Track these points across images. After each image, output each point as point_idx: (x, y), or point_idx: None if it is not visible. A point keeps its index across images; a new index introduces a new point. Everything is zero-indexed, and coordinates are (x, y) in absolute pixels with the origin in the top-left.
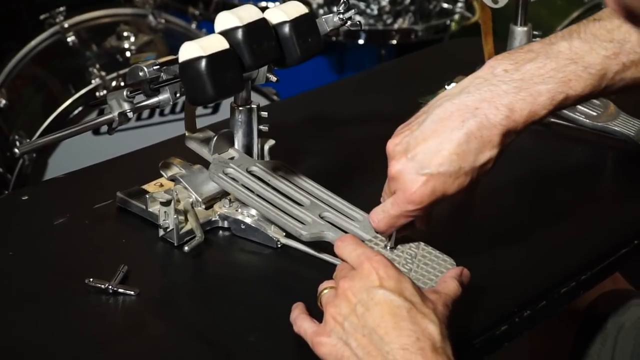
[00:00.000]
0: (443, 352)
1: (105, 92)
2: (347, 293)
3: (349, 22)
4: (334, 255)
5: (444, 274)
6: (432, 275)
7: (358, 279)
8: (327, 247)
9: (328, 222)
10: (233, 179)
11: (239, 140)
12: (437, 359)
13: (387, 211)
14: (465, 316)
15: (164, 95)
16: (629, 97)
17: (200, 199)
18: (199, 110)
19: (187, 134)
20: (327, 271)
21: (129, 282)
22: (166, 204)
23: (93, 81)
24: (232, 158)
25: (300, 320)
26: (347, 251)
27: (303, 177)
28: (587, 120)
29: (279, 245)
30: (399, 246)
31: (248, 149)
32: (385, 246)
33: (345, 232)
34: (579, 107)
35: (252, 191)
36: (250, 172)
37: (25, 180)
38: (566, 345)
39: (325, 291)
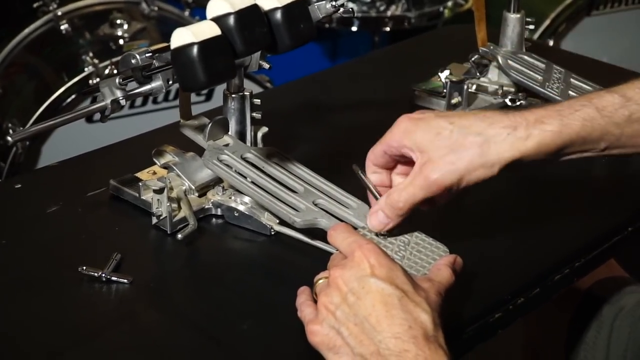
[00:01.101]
0: (435, 340)
1: (98, 79)
2: (338, 282)
3: (341, 9)
4: (328, 242)
5: (437, 262)
6: (425, 262)
7: (349, 268)
8: (320, 234)
9: (322, 209)
10: (227, 165)
11: (232, 128)
12: (430, 347)
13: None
14: (459, 303)
15: (157, 83)
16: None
17: (193, 187)
18: (193, 97)
19: (181, 121)
20: (321, 259)
21: (122, 270)
22: (159, 191)
23: (86, 69)
24: (226, 145)
25: (304, 307)
26: (339, 239)
27: (297, 164)
28: None
29: (273, 233)
30: (392, 232)
31: (241, 136)
32: (378, 233)
33: (339, 220)
34: (572, 93)
35: (246, 178)
36: (244, 159)
37: (19, 168)
38: (561, 332)
39: (321, 281)
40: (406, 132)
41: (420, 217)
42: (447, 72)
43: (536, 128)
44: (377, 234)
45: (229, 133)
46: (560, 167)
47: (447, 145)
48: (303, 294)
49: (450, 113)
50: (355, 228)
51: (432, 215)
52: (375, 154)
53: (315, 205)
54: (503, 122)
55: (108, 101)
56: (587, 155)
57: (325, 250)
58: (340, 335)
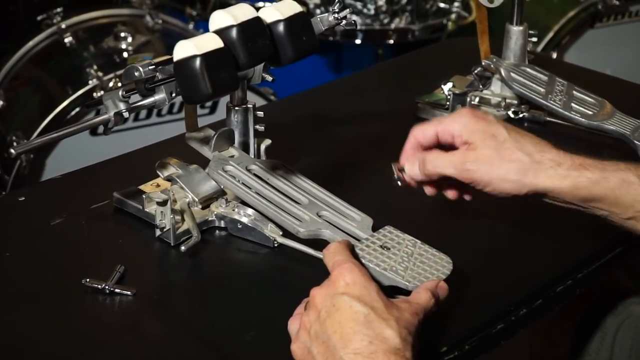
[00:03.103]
0: (402, 356)
1: (102, 92)
2: (315, 300)
3: (344, 21)
4: None
5: (418, 286)
6: (429, 273)
7: (326, 286)
8: (323, 246)
9: (325, 220)
10: (232, 176)
11: (235, 140)
12: None
13: None
14: (462, 314)
15: (160, 95)
16: (625, 96)
17: (196, 199)
18: (197, 110)
19: (187, 133)
20: (323, 270)
21: (125, 282)
22: (163, 204)
23: (90, 82)
24: (232, 156)
25: (291, 323)
26: (328, 259)
27: (301, 177)
28: (583, 119)
29: (276, 245)
30: (395, 244)
31: (244, 149)
32: (382, 246)
33: (342, 231)
34: (575, 105)
35: (250, 189)
36: (249, 171)
37: (23, 181)
38: (565, 342)
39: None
40: (466, 124)
41: (424, 227)
42: (450, 85)
43: (577, 170)
44: (381, 246)
45: (234, 145)
46: None
47: (496, 150)
48: (299, 308)
49: (510, 126)
50: (357, 240)
51: (436, 225)
52: (425, 133)
53: (319, 216)
54: (551, 154)
55: (111, 114)
56: (612, 219)
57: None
58: (311, 354)
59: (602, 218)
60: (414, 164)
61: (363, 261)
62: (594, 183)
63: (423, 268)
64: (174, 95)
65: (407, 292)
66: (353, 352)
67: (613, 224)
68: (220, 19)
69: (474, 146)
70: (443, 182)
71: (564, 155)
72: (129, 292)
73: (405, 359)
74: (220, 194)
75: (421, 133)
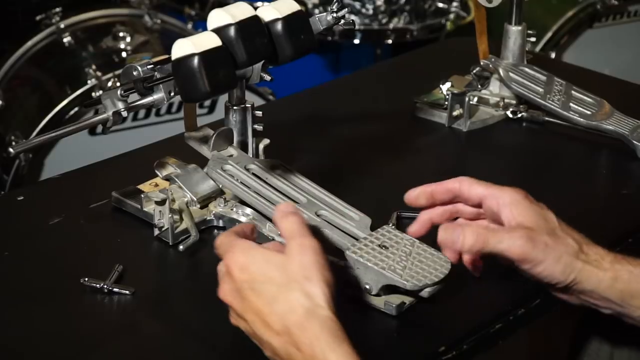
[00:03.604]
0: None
1: (101, 92)
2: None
3: (342, 21)
4: (330, 253)
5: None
6: (427, 272)
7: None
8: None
9: (324, 220)
10: (231, 175)
11: (234, 139)
12: None
13: None
14: (460, 314)
15: (158, 94)
16: (624, 96)
17: (195, 199)
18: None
19: (186, 132)
20: None
21: (124, 281)
22: (161, 203)
23: (89, 82)
24: (231, 156)
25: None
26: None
27: (300, 176)
28: (582, 119)
29: None
30: (394, 244)
31: (243, 148)
32: (381, 244)
33: (342, 231)
34: (574, 105)
35: (249, 188)
36: (248, 170)
37: (22, 180)
38: (564, 343)
39: None
40: (520, 201)
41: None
42: (448, 85)
43: (620, 264)
44: (379, 245)
45: (233, 144)
46: (561, 179)
47: (548, 233)
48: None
49: (557, 217)
50: (356, 240)
51: (433, 226)
52: (471, 189)
53: (318, 216)
54: (596, 248)
55: (110, 113)
56: None
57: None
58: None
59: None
60: (458, 234)
61: (361, 260)
62: (636, 277)
63: (421, 267)
64: (172, 94)
65: (406, 293)
66: (275, 333)
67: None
68: (218, 17)
69: (529, 226)
70: None
71: (607, 250)
72: (127, 292)
73: (323, 316)
74: (218, 193)
75: (467, 186)
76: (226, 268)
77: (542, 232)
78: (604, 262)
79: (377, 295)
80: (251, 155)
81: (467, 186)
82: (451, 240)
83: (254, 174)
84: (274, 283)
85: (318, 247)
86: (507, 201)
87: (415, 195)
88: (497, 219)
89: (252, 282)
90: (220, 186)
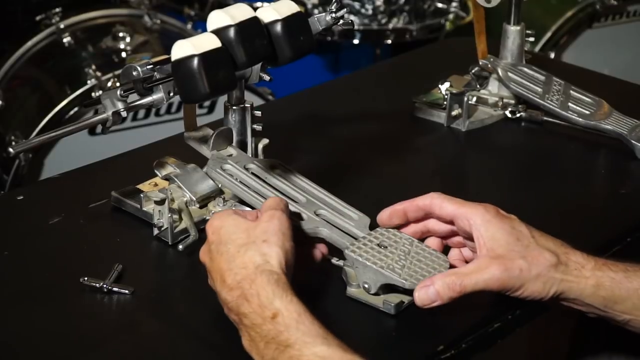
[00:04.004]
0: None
1: (101, 92)
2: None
3: (341, 21)
4: (329, 253)
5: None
6: (425, 271)
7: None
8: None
9: (323, 219)
10: (230, 175)
11: (233, 139)
12: None
13: None
14: (458, 313)
15: (158, 95)
16: (623, 96)
17: (194, 198)
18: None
19: (186, 132)
20: (321, 268)
21: (123, 280)
22: (160, 203)
23: (89, 82)
24: (230, 155)
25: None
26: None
27: (299, 176)
28: (580, 119)
29: None
30: (392, 243)
31: (242, 148)
32: (379, 245)
33: (340, 230)
34: (572, 105)
35: (248, 188)
36: (247, 170)
37: (22, 180)
38: (564, 342)
39: None
40: (488, 221)
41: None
42: (447, 84)
43: (601, 270)
44: (378, 244)
45: (233, 144)
46: (559, 179)
47: (522, 253)
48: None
49: (532, 227)
50: (355, 239)
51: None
52: (442, 208)
53: (317, 215)
54: (576, 256)
55: (109, 113)
56: (633, 325)
57: (326, 259)
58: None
59: (623, 322)
60: (427, 293)
61: (360, 259)
62: (618, 283)
63: (420, 266)
64: (172, 94)
65: (405, 292)
66: (228, 288)
67: (634, 329)
68: (218, 18)
69: (498, 251)
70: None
71: (587, 257)
72: (126, 291)
73: (270, 271)
74: (217, 193)
75: (438, 204)
76: (207, 232)
77: (515, 256)
78: (584, 271)
79: (376, 294)
80: (250, 155)
81: (438, 204)
82: (429, 300)
83: (253, 174)
84: (236, 244)
85: (285, 220)
86: (477, 222)
87: (387, 215)
88: (470, 238)
89: (218, 244)
90: (220, 186)
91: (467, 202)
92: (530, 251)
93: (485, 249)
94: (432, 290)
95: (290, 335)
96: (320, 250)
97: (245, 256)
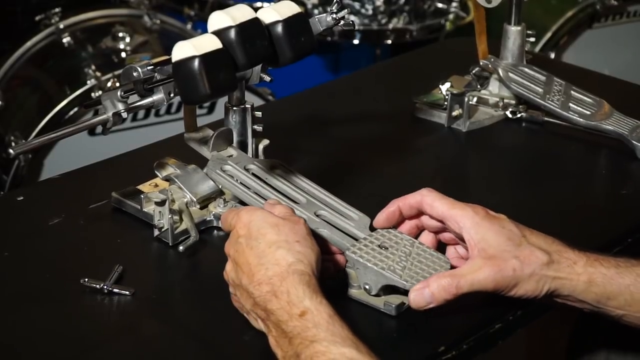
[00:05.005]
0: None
1: (100, 92)
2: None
3: (342, 22)
4: (329, 254)
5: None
6: (427, 272)
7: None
8: (321, 244)
9: (323, 220)
10: (230, 176)
11: (233, 140)
12: None
13: None
14: (460, 314)
15: (158, 95)
16: (623, 96)
17: (194, 199)
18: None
19: (186, 133)
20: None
21: (123, 281)
22: (161, 204)
23: (89, 82)
24: (230, 156)
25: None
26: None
27: (300, 176)
28: (581, 119)
29: None
30: (393, 244)
31: (242, 149)
32: (380, 245)
33: (340, 230)
34: (573, 105)
35: (249, 188)
36: (247, 170)
37: (21, 181)
38: (563, 343)
39: None
40: (477, 223)
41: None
42: (448, 85)
43: (593, 267)
44: (379, 245)
45: (233, 145)
46: (560, 179)
47: (514, 252)
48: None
49: (522, 225)
50: (356, 240)
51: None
52: (434, 207)
53: (317, 216)
54: (567, 252)
55: (110, 114)
56: (627, 320)
57: (326, 260)
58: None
59: (617, 317)
60: (423, 296)
61: (361, 260)
62: (609, 279)
63: (421, 267)
64: (172, 95)
65: (406, 293)
66: (257, 282)
67: (628, 324)
68: (218, 19)
69: (489, 251)
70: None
71: (578, 253)
72: (127, 292)
73: (303, 271)
74: (218, 193)
75: (429, 203)
76: (233, 226)
77: (507, 256)
78: (576, 267)
79: (377, 295)
80: (251, 156)
81: (428, 203)
82: (424, 302)
83: (253, 174)
84: (266, 239)
85: (309, 229)
86: (467, 225)
87: (383, 218)
88: (462, 239)
89: (248, 238)
90: (220, 187)
91: (457, 203)
92: (522, 250)
93: (476, 250)
94: (427, 293)
95: (318, 332)
96: (335, 262)
97: (277, 253)
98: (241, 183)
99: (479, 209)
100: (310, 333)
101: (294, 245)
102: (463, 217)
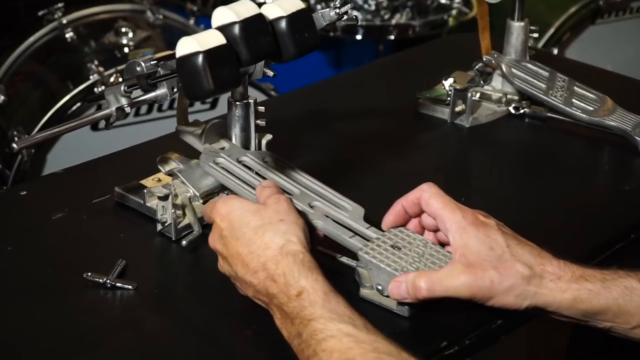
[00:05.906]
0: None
1: (103, 87)
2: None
3: (345, 17)
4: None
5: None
6: None
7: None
8: (316, 237)
9: (318, 211)
10: (223, 168)
11: (236, 135)
12: None
13: None
14: (462, 310)
15: (161, 90)
16: (626, 92)
17: (197, 194)
18: (197, 105)
19: (178, 126)
20: (322, 262)
21: (126, 276)
22: (164, 198)
23: (91, 77)
24: (222, 148)
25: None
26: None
27: (293, 168)
28: (584, 115)
29: None
30: (406, 244)
31: (245, 143)
32: (393, 246)
33: (334, 221)
34: (576, 101)
35: (241, 180)
36: (240, 162)
37: (24, 176)
38: (564, 339)
39: None
40: (462, 229)
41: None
42: (451, 80)
43: (578, 283)
44: (392, 245)
45: (232, 141)
46: (563, 175)
47: (494, 263)
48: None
49: (510, 233)
50: (350, 230)
51: None
52: (427, 207)
53: (311, 207)
54: (552, 266)
55: (113, 108)
56: (616, 331)
57: (325, 253)
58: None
59: (605, 329)
60: (399, 289)
61: (374, 261)
62: (596, 295)
63: (434, 269)
64: (175, 90)
65: None
66: (253, 271)
67: (617, 335)
68: (222, 15)
69: (470, 258)
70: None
71: (564, 267)
72: (130, 287)
73: (295, 250)
74: (221, 188)
75: (426, 200)
76: (213, 219)
77: (486, 266)
78: (560, 283)
79: (389, 296)
80: (254, 150)
81: (425, 199)
82: (399, 295)
83: (245, 166)
84: (250, 227)
85: (291, 202)
86: (453, 229)
87: (390, 220)
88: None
89: (231, 229)
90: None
91: (450, 203)
92: (502, 262)
93: (457, 255)
94: (402, 288)
95: (314, 311)
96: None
97: (264, 237)
98: (233, 175)
99: (468, 213)
100: (307, 312)
101: (279, 226)
102: (450, 219)
